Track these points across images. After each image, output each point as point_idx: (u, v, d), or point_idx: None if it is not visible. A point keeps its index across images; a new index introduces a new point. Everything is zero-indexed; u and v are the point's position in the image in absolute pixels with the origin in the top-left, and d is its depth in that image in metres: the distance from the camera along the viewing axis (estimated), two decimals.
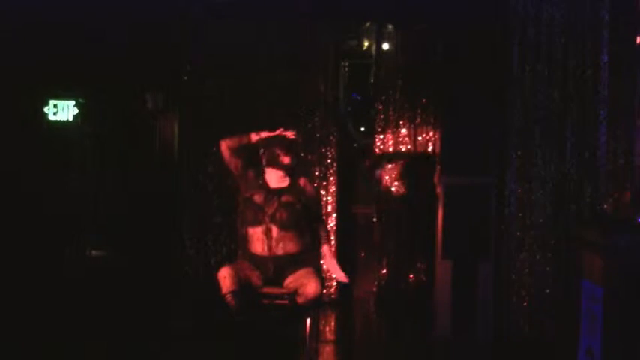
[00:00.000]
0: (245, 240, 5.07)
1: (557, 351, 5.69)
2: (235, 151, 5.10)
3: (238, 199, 5.21)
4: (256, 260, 5.01)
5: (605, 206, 6.09)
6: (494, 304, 6.14)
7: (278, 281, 5.02)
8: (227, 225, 6.79)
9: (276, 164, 5.06)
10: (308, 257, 5.08)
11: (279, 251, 4.98)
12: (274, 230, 4.98)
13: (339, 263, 5.19)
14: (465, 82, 6.17)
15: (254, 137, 5.11)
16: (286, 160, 5.05)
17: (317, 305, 4.94)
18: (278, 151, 5.05)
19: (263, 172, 5.11)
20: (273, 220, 4.98)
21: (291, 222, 4.99)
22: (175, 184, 7.02)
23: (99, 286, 6.73)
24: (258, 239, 4.99)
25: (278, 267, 4.99)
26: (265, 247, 4.99)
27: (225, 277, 4.84)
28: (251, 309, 4.89)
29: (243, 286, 4.85)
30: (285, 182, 5.08)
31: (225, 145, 5.11)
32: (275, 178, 5.08)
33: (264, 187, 5.06)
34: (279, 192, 5.03)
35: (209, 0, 6.70)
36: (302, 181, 5.14)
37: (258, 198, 5.02)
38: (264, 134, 5.11)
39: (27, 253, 6.76)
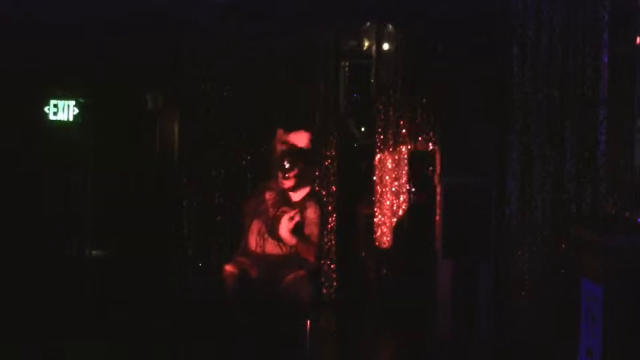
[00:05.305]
0: (243, 236, 5.13)
1: (557, 351, 5.68)
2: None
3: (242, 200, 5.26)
4: (251, 258, 5.04)
5: (605, 206, 6.08)
6: (495, 304, 6.13)
7: (273, 282, 5.03)
8: (227, 224, 6.79)
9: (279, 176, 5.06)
10: (301, 259, 5.07)
11: (272, 250, 5.02)
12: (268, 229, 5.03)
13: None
14: (464, 82, 6.17)
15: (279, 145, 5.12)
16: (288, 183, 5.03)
17: (314, 307, 4.96)
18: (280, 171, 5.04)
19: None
20: (269, 221, 5.03)
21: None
22: (175, 184, 7.02)
23: (99, 286, 6.73)
24: (252, 236, 5.04)
25: (270, 266, 5.00)
26: (259, 246, 5.03)
27: (228, 276, 4.88)
28: (252, 309, 4.92)
29: (246, 285, 4.88)
30: (291, 184, 5.09)
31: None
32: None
33: (274, 186, 5.11)
34: (285, 194, 5.07)
35: (210, 0, 6.70)
36: (308, 206, 5.09)
37: (268, 196, 5.08)
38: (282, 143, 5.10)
39: (27, 253, 6.76)
